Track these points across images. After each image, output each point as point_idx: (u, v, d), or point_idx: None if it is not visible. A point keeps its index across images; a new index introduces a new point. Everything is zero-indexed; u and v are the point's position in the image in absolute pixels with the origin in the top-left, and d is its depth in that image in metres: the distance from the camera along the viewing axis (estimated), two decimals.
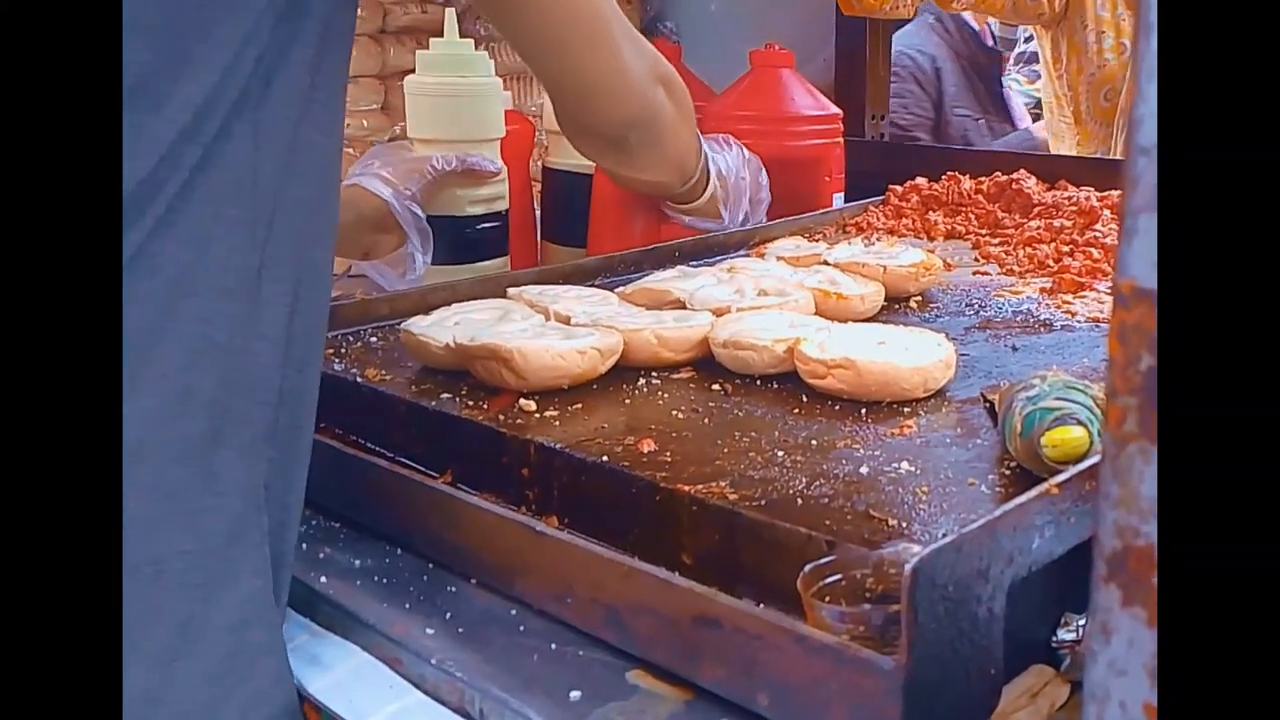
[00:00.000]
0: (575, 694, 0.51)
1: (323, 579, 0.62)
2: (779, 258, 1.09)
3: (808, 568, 0.51)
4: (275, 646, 0.54)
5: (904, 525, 0.55)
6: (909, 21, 1.74)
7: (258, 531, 0.53)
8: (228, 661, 0.51)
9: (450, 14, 1.08)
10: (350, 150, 1.48)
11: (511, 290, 0.92)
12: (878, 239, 1.25)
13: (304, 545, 0.66)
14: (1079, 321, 0.95)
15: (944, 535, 0.53)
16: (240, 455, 0.52)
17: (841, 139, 1.40)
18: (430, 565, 0.63)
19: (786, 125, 1.34)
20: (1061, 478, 0.51)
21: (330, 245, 0.60)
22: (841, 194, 1.40)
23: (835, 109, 1.39)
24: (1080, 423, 0.58)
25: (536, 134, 1.43)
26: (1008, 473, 0.62)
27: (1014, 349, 0.88)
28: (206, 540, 0.51)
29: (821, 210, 1.36)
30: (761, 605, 0.53)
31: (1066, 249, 1.13)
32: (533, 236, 1.25)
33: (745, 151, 1.24)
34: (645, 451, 0.65)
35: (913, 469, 0.63)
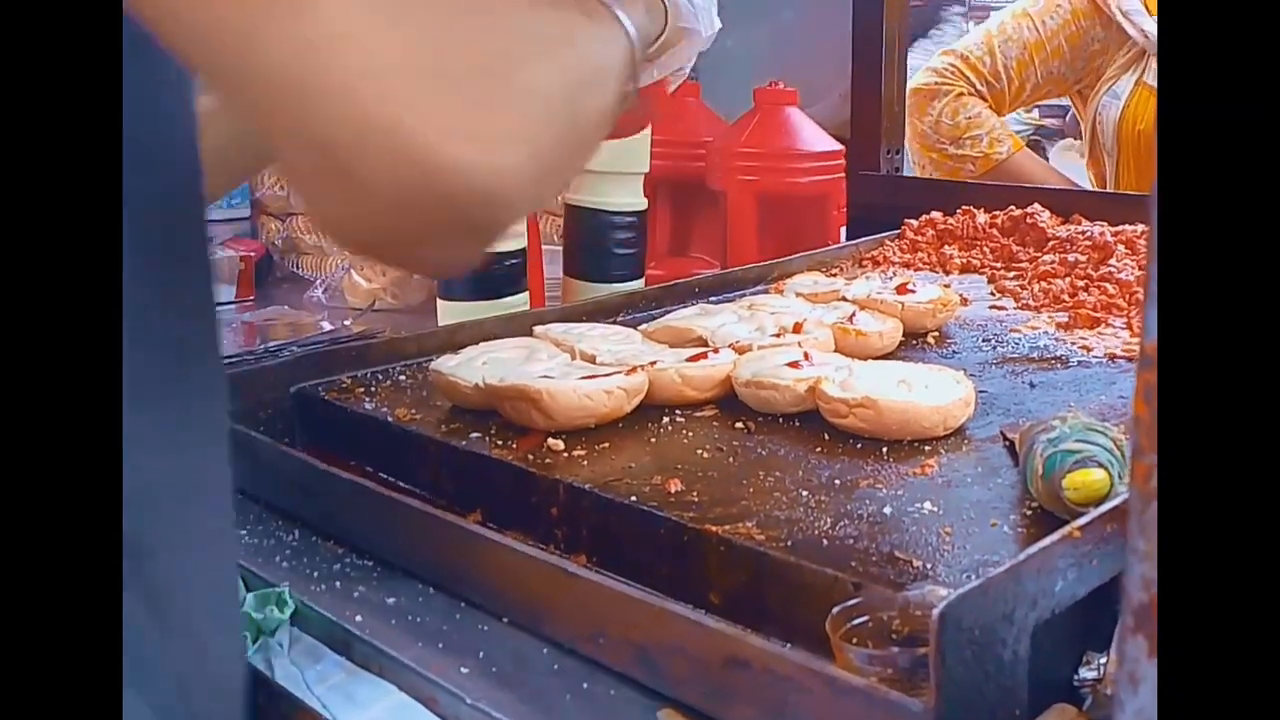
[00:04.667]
0: None
1: (358, 617, 0.63)
2: (797, 293, 1.10)
3: (836, 609, 0.52)
4: None
5: (929, 567, 0.57)
6: None
7: None
8: None
9: None
10: None
11: (538, 329, 0.94)
12: (894, 273, 1.26)
13: (338, 584, 0.68)
14: (1095, 357, 0.96)
15: (969, 578, 0.54)
16: None
17: (844, 174, 1.41)
18: (462, 604, 0.65)
19: (791, 162, 1.36)
20: (1083, 520, 0.52)
21: None
22: (844, 228, 1.42)
23: (838, 145, 1.41)
24: (1101, 465, 0.59)
25: None
26: (1029, 513, 0.63)
27: (1031, 385, 0.89)
28: None
29: (838, 245, 1.37)
30: (789, 645, 0.55)
31: (1081, 284, 1.14)
32: (541, 273, 1.27)
33: None
34: (672, 491, 0.67)
35: (935, 509, 0.64)
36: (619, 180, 1.19)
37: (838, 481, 0.68)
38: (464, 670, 0.58)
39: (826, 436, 0.76)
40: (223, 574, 0.56)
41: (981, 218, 1.39)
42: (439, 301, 1.12)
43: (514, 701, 0.55)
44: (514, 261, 1.11)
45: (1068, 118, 4.63)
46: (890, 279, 1.17)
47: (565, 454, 0.73)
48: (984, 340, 1.02)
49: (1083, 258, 1.21)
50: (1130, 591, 0.32)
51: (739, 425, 0.79)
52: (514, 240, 1.10)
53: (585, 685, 0.56)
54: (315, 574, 0.69)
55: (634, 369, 0.81)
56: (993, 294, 1.20)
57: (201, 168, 0.52)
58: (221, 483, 0.56)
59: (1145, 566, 0.32)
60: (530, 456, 0.73)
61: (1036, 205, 1.38)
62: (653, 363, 0.83)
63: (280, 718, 0.60)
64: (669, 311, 1.05)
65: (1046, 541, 0.50)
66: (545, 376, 0.78)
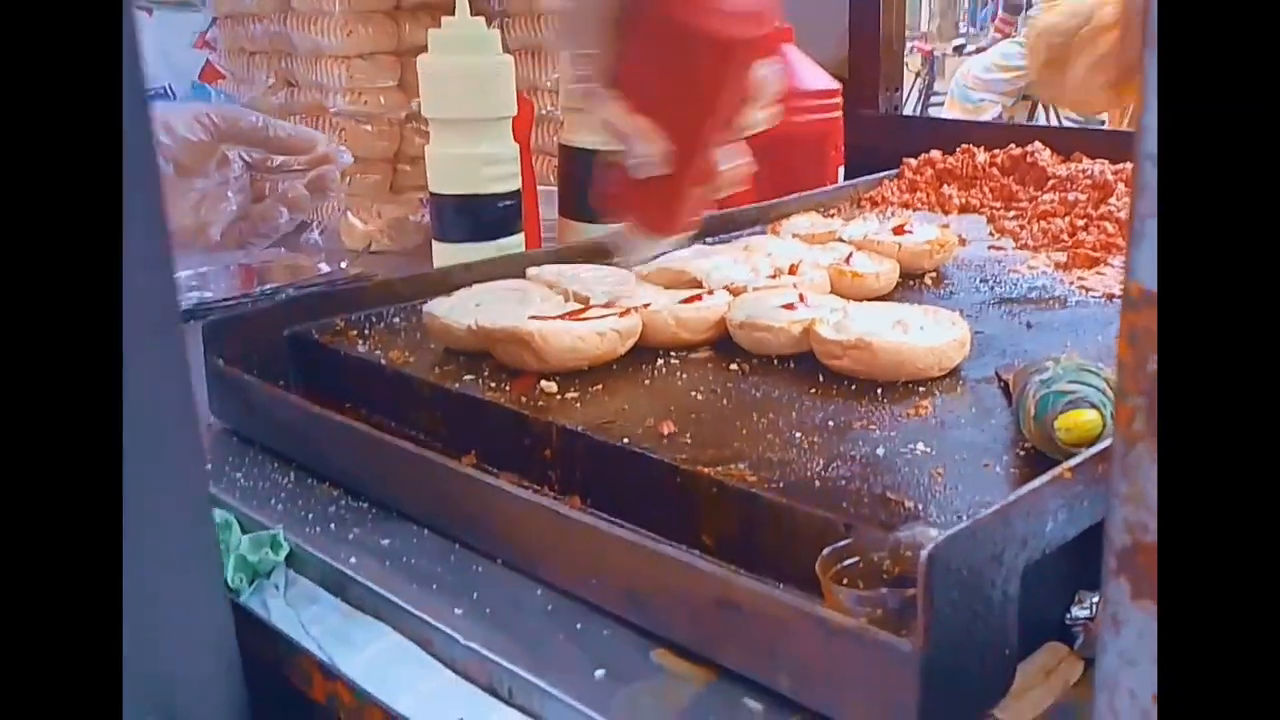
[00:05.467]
0: (600, 673, 0.53)
1: (352, 559, 0.64)
2: (794, 235, 1.09)
3: (826, 551, 0.52)
4: None
5: (920, 507, 0.57)
6: None
7: None
8: None
9: None
10: (368, 128, 1.49)
11: (531, 271, 0.94)
12: (893, 213, 1.26)
13: (333, 526, 0.68)
14: (1094, 297, 0.96)
15: (960, 519, 0.54)
16: None
17: (842, 114, 1.40)
18: (456, 546, 0.65)
19: (788, 100, 1.34)
20: (1074, 461, 0.52)
21: None
22: (842, 168, 1.40)
23: (836, 83, 1.39)
24: (1093, 406, 0.59)
25: (538, 111, 1.44)
26: (1022, 454, 0.63)
27: (1028, 326, 0.89)
28: None
29: (835, 185, 1.36)
30: (781, 586, 0.55)
31: (1081, 223, 1.14)
32: (536, 214, 1.26)
33: None
34: (665, 434, 0.67)
35: (928, 450, 0.64)
36: None
37: (831, 423, 0.68)
38: (458, 612, 0.58)
39: (821, 378, 0.76)
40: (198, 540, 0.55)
41: (981, 157, 1.38)
42: (434, 243, 1.11)
43: (508, 643, 0.55)
44: (509, 203, 1.10)
45: None
46: (888, 219, 1.16)
47: (558, 396, 0.73)
48: (982, 281, 1.02)
49: (1083, 196, 1.20)
50: (1112, 534, 0.32)
51: (733, 367, 0.79)
52: (509, 181, 1.09)
53: (579, 626, 0.57)
54: (310, 516, 0.69)
55: (627, 311, 0.80)
56: (992, 234, 1.19)
57: None
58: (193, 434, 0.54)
59: (1128, 509, 0.32)
60: (523, 399, 0.73)
61: (1037, 144, 1.37)
62: (646, 304, 0.82)
63: (276, 660, 0.61)
64: (664, 253, 1.04)
65: (1036, 483, 0.50)
66: (537, 318, 0.78)
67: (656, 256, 0.89)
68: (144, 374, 0.46)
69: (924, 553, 0.44)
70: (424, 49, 1.09)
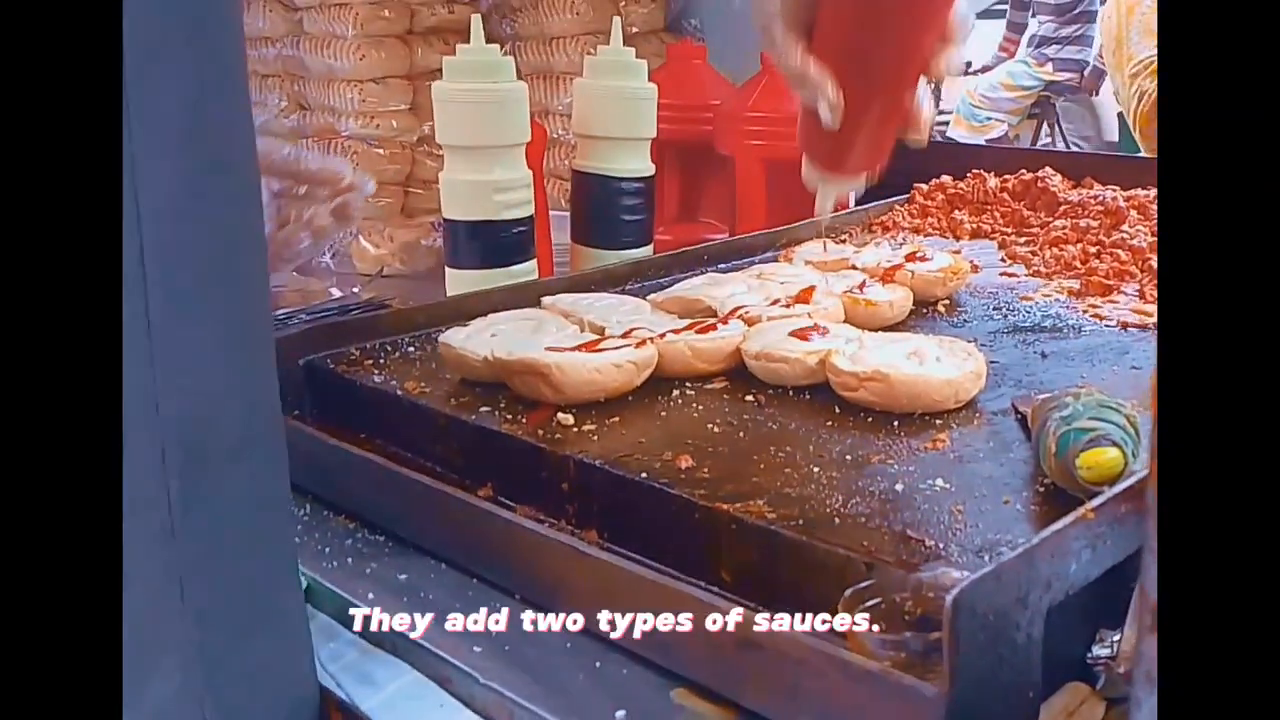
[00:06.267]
0: (620, 713, 0.53)
1: (370, 595, 0.63)
2: (807, 261, 1.09)
3: (848, 592, 0.52)
4: None
5: (940, 546, 0.56)
6: None
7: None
8: None
9: (476, 20, 1.09)
10: (380, 151, 1.49)
11: (546, 300, 0.94)
12: (904, 239, 1.26)
13: (350, 560, 0.68)
14: (1108, 325, 0.96)
15: (982, 558, 0.54)
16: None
17: None
18: (474, 580, 0.65)
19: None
20: (1097, 502, 0.52)
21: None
22: (853, 192, 1.40)
23: None
24: (1115, 444, 0.58)
25: (550, 135, 1.44)
26: (1041, 490, 0.63)
27: (1043, 355, 0.88)
28: None
29: (846, 210, 1.36)
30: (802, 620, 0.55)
31: (1093, 250, 1.14)
32: (549, 239, 1.27)
33: None
34: (683, 468, 0.66)
35: (947, 485, 0.64)
36: (625, 146, 1.18)
37: (849, 457, 0.68)
38: (477, 650, 0.58)
39: (837, 409, 0.76)
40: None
41: (992, 182, 1.38)
42: (448, 270, 1.12)
43: (527, 681, 0.55)
44: (522, 229, 1.10)
45: (1086, 73, 4.59)
46: (900, 245, 1.16)
47: (575, 428, 0.73)
48: (995, 309, 1.02)
49: (1095, 223, 1.20)
50: (1149, 592, 0.32)
51: (749, 398, 0.79)
52: (522, 208, 1.10)
53: (598, 665, 0.57)
54: (327, 550, 0.69)
55: (643, 342, 0.80)
56: (1003, 260, 1.19)
57: None
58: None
59: None
60: (540, 431, 0.73)
61: (1047, 169, 1.37)
62: (662, 335, 0.82)
63: None
64: (678, 280, 1.04)
65: (1059, 524, 0.50)
66: (554, 350, 0.78)
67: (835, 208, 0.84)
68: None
69: (949, 598, 0.44)
70: (436, 72, 1.10)
